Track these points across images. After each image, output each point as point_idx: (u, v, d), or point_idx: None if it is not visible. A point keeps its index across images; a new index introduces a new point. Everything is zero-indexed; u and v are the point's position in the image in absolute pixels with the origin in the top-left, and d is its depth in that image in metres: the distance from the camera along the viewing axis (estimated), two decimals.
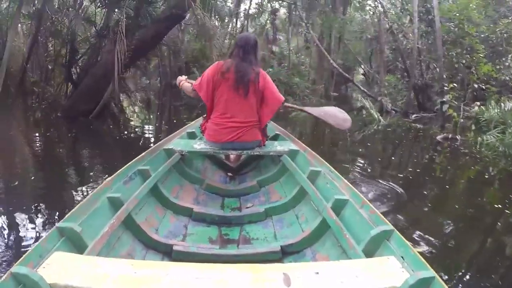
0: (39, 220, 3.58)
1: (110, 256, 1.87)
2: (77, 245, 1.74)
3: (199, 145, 3.29)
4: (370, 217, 2.01)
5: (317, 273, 1.49)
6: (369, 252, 1.81)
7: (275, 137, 4.01)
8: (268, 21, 20.72)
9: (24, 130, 8.29)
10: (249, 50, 3.15)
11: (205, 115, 3.38)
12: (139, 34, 8.85)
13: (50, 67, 11.64)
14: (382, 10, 15.41)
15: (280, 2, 18.30)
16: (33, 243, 2.89)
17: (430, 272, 1.45)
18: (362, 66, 21.68)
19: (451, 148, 7.89)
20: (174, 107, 13.64)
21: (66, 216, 1.83)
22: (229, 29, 18.49)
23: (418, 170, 6.14)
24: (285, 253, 2.23)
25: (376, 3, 15.56)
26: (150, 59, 18.97)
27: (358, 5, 18.13)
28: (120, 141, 7.80)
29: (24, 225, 3.42)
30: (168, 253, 2.19)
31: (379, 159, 7.14)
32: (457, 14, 11.72)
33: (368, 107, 12.56)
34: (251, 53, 3.16)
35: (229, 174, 3.74)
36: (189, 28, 16.35)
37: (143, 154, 2.95)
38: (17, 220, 3.52)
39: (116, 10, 9.20)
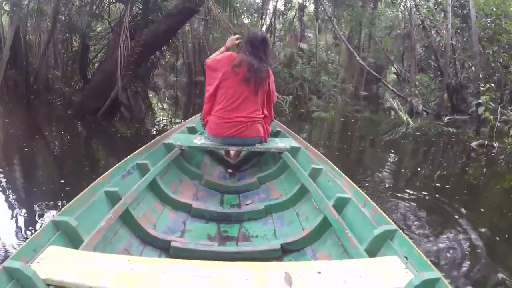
0: (34, 215, 3.65)
1: (107, 251, 1.90)
2: (72, 239, 1.79)
3: (199, 140, 3.38)
4: (373, 216, 2.04)
5: (319, 272, 1.52)
6: (372, 251, 1.84)
7: (276, 134, 4.09)
8: (295, 18, 20.63)
9: (27, 128, 8.07)
10: (258, 46, 3.28)
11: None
12: (150, 29, 8.94)
13: (71, 62, 11.91)
14: (413, 4, 15.15)
15: None
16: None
17: (435, 273, 1.46)
18: (395, 65, 21.38)
19: (487, 157, 7.40)
20: (196, 105, 13.59)
21: (62, 209, 1.88)
22: (259, 25, 18.53)
23: (447, 186, 5.55)
24: (285, 251, 2.26)
25: None
26: (178, 57, 19.32)
27: (389, 0, 17.90)
28: (121, 142, 7.63)
29: (20, 220, 3.51)
30: (166, 249, 2.23)
31: (402, 170, 6.61)
32: (494, 9, 11.39)
33: (396, 108, 12.38)
34: (260, 50, 3.28)
35: (229, 170, 3.82)
36: (215, 25, 16.50)
37: (142, 148, 3.04)
38: (13, 216, 3.63)
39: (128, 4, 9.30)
